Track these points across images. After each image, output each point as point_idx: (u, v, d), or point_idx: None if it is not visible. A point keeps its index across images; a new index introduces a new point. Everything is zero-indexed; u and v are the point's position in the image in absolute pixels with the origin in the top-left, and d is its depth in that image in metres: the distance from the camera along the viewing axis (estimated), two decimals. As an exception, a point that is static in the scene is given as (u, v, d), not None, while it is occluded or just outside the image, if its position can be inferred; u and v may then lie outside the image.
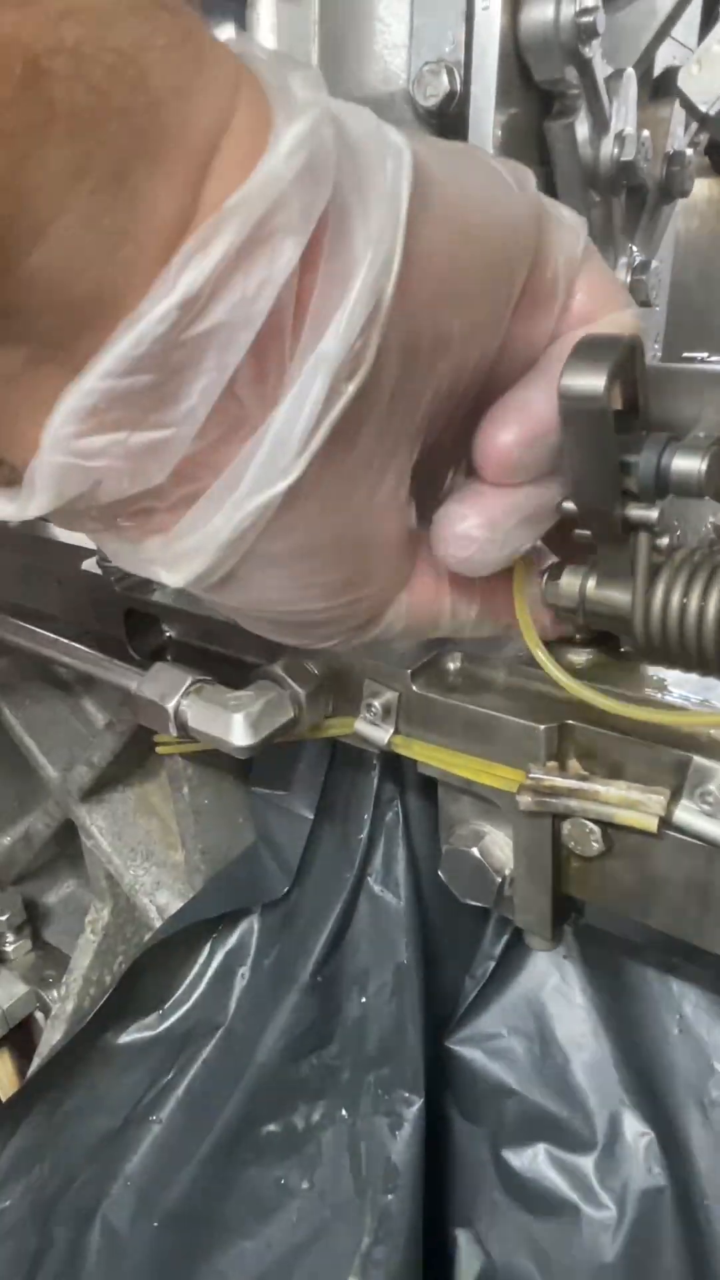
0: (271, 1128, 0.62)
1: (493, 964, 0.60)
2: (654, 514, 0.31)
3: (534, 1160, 0.58)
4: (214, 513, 0.26)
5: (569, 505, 0.32)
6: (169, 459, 0.24)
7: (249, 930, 0.66)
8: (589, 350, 0.28)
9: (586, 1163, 0.57)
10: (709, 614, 0.31)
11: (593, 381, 0.28)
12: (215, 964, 0.66)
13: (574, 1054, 0.58)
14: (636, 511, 0.31)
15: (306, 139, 0.22)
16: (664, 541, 0.33)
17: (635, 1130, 0.56)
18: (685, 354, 0.66)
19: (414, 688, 0.42)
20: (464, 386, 0.30)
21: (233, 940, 0.66)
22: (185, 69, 0.21)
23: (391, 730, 0.44)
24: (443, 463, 0.33)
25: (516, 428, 0.30)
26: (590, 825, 0.38)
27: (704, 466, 0.29)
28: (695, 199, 0.87)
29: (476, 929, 0.61)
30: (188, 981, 0.66)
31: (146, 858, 0.75)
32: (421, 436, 0.30)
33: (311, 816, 0.60)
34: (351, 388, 0.25)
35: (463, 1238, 0.59)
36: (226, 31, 0.48)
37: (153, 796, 0.77)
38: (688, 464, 0.29)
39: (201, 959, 0.66)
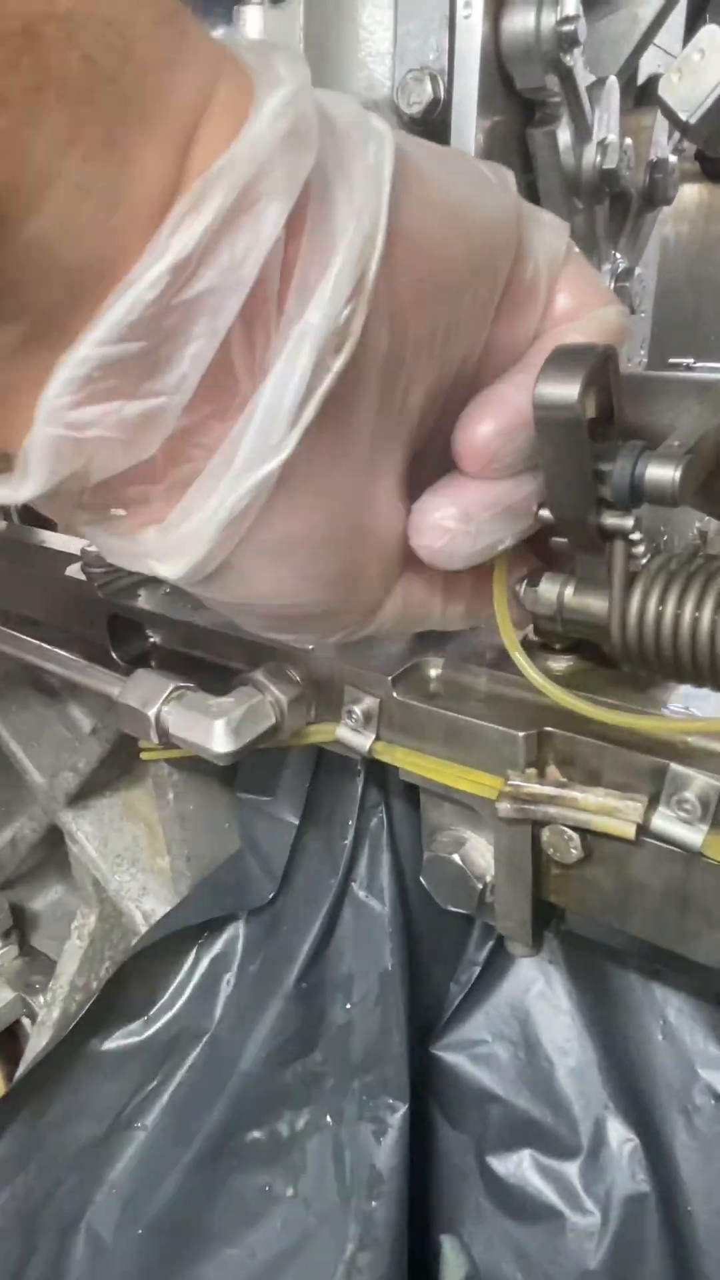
0: (256, 1135, 0.62)
1: (477, 970, 0.60)
2: (629, 522, 0.31)
3: (519, 1166, 0.58)
4: (209, 495, 0.26)
5: (546, 513, 0.33)
6: (162, 429, 0.25)
7: (234, 936, 0.65)
8: (563, 359, 0.28)
9: (571, 1168, 0.57)
10: (684, 621, 0.32)
11: (567, 390, 0.28)
12: (201, 970, 0.66)
13: (559, 1060, 0.58)
14: (612, 519, 0.32)
15: (289, 106, 0.23)
16: (640, 549, 0.33)
17: (620, 1136, 0.56)
18: (671, 360, 0.67)
19: (395, 694, 0.42)
20: (450, 385, 0.30)
21: (218, 946, 0.66)
22: (170, 42, 0.22)
23: (373, 737, 0.44)
24: (434, 469, 0.33)
25: (496, 419, 0.30)
26: (569, 832, 0.38)
27: (677, 475, 0.29)
28: (685, 204, 0.87)
29: (461, 935, 0.61)
30: (173, 988, 0.66)
31: (132, 863, 0.74)
32: (412, 434, 0.30)
33: (296, 822, 0.60)
34: (338, 363, 0.25)
35: (447, 1244, 0.59)
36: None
37: (139, 802, 0.76)
38: (661, 473, 0.29)
39: (187, 965, 0.66)
